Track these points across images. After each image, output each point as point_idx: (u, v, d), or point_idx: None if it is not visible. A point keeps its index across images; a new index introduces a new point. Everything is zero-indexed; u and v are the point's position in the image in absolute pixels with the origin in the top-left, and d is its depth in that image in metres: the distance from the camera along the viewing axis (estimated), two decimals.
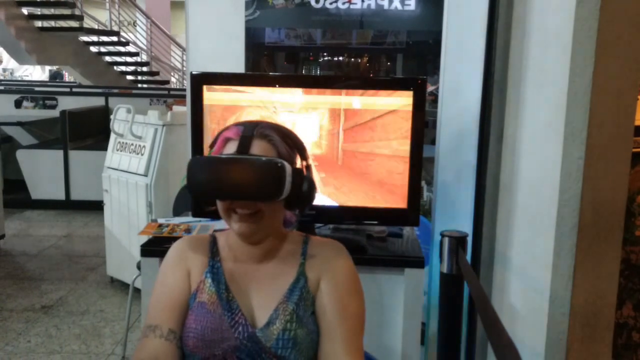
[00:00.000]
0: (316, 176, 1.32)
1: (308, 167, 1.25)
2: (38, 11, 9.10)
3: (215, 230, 1.93)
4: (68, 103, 6.76)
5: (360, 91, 1.83)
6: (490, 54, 1.86)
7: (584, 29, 1.47)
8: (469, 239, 1.76)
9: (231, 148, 1.19)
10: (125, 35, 10.28)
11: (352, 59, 3.85)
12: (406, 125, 1.79)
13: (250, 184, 1.13)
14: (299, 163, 1.25)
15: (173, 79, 11.68)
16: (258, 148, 1.18)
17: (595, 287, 1.59)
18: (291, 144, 1.24)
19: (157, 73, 10.67)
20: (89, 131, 6.35)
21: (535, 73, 1.73)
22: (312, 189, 1.23)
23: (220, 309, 1.21)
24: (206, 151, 1.26)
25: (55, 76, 14.82)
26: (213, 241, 1.32)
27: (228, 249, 1.29)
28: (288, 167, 1.16)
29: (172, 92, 7.49)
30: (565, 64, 1.52)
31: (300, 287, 1.24)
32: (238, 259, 1.27)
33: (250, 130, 1.20)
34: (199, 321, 1.20)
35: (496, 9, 1.84)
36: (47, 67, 14.80)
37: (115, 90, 7.56)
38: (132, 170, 3.86)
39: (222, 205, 1.20)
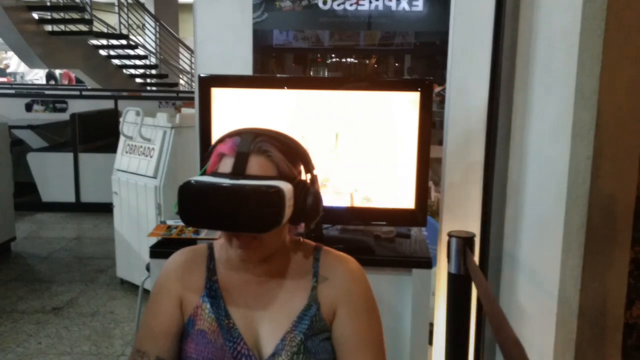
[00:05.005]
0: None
1: (313, 179, 1.16)
2: (48, 15, 9.17)
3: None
4: (78, 106, 6.81)
5: (367, 92, 1.83)
6: (497, 54, 1.85)
7: (591, 28, 1.46)
8: (477, 239, 1.75)
9: (226, 166, 1.08)
10: (134, 38, 10.34)
11: (360, 60, 3.86)
12: (413, 126, 1.80)
13: (244, 215, 1.02)
14: (303, 174, 1.16)
15: (182, 82, 11.73)
16: (256, 166, 1.07)
17: (604, 287, 1.58)
18: (293, 156, 1.13)
19: (165, 76, 10.72)
20: (99, 134, 6.39)
21: (542, 73, 1.73)
22: (317, 202, 1.13)
23: (221, 338, 1.13)
24: (203, 162, 1.16)
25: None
26: (210, 255, 1.22)
27: (228, 263, 1.20)
28: (287, 189, 1.05)
29: (180, 95, 7.53)
30: (573, 64, 1.51)
31: (311, 316, 1.15)
32: (240, 276, 1.19)
33: (247, 145, 1.08)
34: (200, 351, 1.14)
35: (503, 9, 1.84)
36: (57, 71, 14.87)
37: (125, 93, 7.61)
38: (141, 173, 3.88)
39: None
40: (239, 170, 1.06)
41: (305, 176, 1.15)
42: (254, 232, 1.07)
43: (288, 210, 1.05)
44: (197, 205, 1.04)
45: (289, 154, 1.12)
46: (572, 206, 1.55)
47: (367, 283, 1.22)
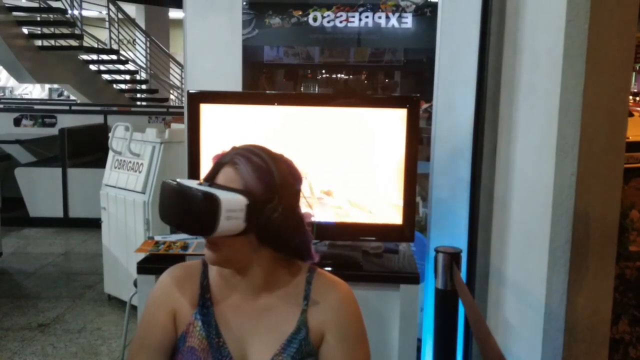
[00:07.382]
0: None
1: (291, 200, 1.14)
2: (38, 30, 9.17)
3: None
4: (67, 121, 6.78)
5: (355, 109, 1.84)
6: (482, 71, 1.88)
7: (574, 46, 1.49)
8: (464, 255, 1.76)
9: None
10: (125, 53, 10.35)
11: (350, 76, 3.89)
12: (401, 142, 1.81)
13: (182, 216, 1.08)
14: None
15: (172, 97, 11.73)
16: (223, 177, 1.11)
17: (589, 303, 1.60)
18: (268, 174, 1.11)
19: (156, 91, 10.73)
20: (88, 149, 6.36)
21: (527, 90, 1.75)
22: (284, 224, 1.10)
23: (210, 357, 1.14)
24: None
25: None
26: (204, 272, 1.22)
27: (221, 281, 1.20)
28: (232, 200, 1.05)
29: (170, 110, 7.52)
30: (556, 81, 1.54)
31: (300, 339, 1.15)
32: (232, 295, 1.19)
33: (226, 157, 1.13)
34: None
35: (488, 28, 1.87)
36: (47, 85, 14.83)
37: (114, 108, 7.60)
38: (129, 188, 3.86)
39: None
40: (209, 178, 1.13)
41: (282, 196, 1.11)
42: (193, 235, 1.14)
43: (230, 222, 1.05)
44: (161, 204, 1.12)
45: (262, 170, 1.11)
46: (558, 222, 1.56)
47: (357, 310, 1.21)
